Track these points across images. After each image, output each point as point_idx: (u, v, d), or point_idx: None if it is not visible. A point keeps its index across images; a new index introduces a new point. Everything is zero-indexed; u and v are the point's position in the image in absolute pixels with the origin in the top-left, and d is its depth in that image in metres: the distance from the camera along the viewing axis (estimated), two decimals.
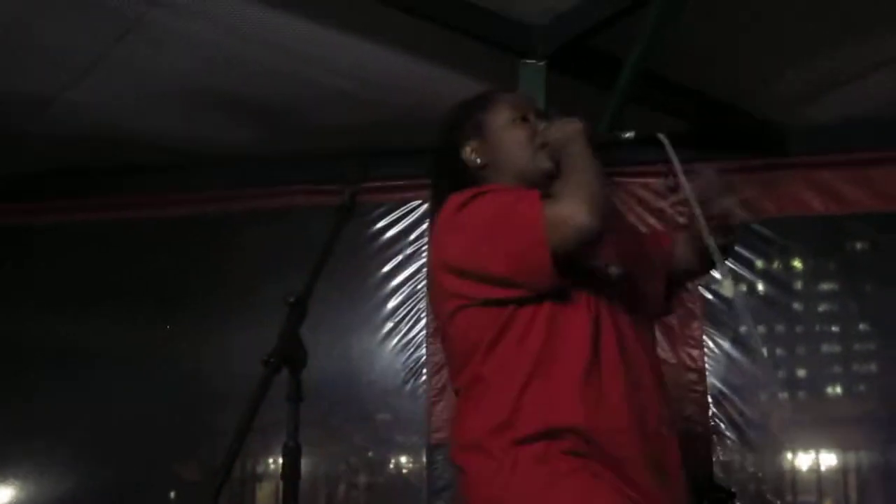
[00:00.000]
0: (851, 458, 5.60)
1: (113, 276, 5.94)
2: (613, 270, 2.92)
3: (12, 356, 5.88)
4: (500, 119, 3.04)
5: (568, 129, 2.88)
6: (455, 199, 2.87)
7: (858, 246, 5.77)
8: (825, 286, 5.89)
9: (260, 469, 6.04)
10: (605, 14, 4.23)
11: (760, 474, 5.46)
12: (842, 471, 5.60)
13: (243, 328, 5.41)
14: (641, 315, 2.96)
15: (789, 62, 4.75)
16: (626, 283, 2.93)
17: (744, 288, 5.66)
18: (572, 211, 2.67)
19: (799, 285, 5.81)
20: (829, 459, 5.60)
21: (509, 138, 3.00)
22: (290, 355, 2.42)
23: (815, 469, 5.58)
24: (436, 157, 3.18)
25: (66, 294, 5.96)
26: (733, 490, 5.07)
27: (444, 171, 3.12)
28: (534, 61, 4.50)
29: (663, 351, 5.41)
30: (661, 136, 2.92)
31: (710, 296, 5.50)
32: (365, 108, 5.16)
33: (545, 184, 2.88)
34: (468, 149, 3.04)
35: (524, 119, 3.03)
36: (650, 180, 5.57)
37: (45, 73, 4.88)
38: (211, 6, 4.34)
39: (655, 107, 4.98)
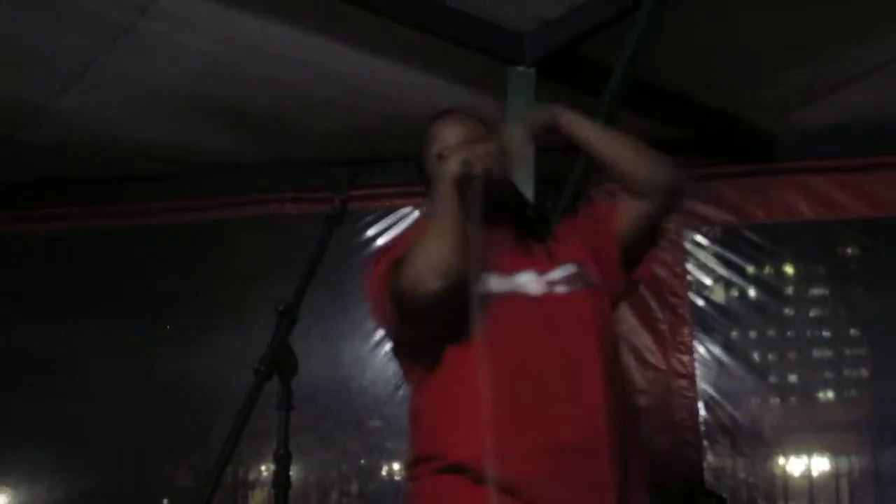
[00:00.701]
0: (843, 462, 5.62)
1: (102, 284, 5.94)
2: (528, 287, 2.94)
3: (5, 363, 5.88)
4: (433, 155, 3.06)
5: (443, 171, 2.90)
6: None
7: (849, 251, 5.79)
8: (816, 291, 5.91)
9: (252, 476, 6.05)
10: (594, 21, 4.23)
11: (752, 480, 5.47)
12: (833, 476, 5.62)
13: (234, 336, 5.41)
14: (590, 317, 2.94)
15: (779, 68, 4.76)
16: (566, 288, 2.96)
17: (735, 293, 5.68)
18: (410, 283, 2.76)
19: (790, 291, 5.82)
20: (820, 464, 5.61)
21: (437, 174, 2.97)
22: (281, 363, 2.42)
23: (806, 474, 5.59)
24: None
25: (56, 302, 5.96)
26: (724, 496, 5.08)
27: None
28: (523, 68, 4.50)
29: (653, 357, 5.42)
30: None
31: (700, 302, 5.51)
32: (354, 116, 5.16)
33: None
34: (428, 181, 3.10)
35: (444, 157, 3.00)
36: None
37: (34, 80, 4.88)
38: (201, 15, 4.33)
39: (645, 113, 4.98)
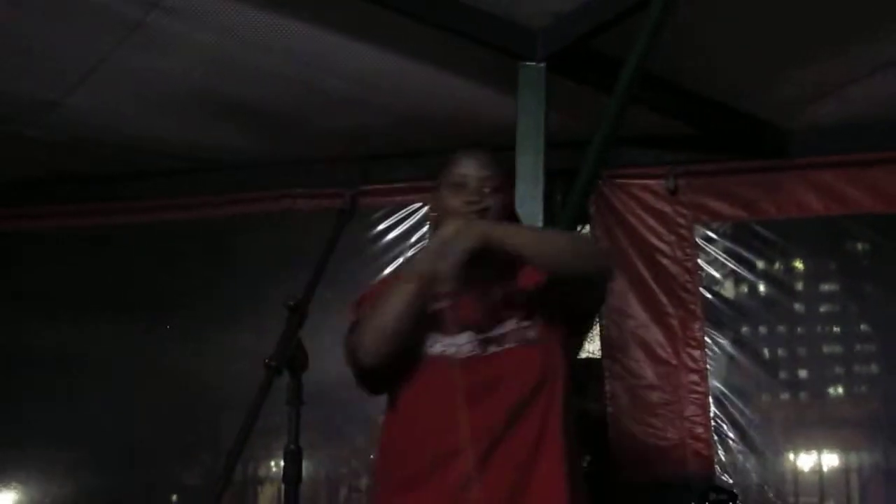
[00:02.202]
0: (853, 458, 5.60)
1: (114, 281, 5.94)
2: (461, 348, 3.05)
3: (14, 361, 5.89)
4: (446, 184, 3.20)
5: (435, 238, 3.04)
6: None
7: (859, 247, 5.77)
8: (826, 287, 5.89)
9: (261, 472, 6.04)
10: (605, 16, 4.23)
11: (762, 475, 5.45)
12: (844, 471, 5.60)
13: (244, 332, 5.41)
14: (511, 374, 3.03)
15: (790, 64, 4.75)
16: (497, 347, 3.06)
17: (745, 289, 5.67)
18: (353, 351, 3.03)
19: (800, 286, 5.80)
20: (830, 460, 5.60)
21: (444, 204, 3.17)
22: (291, 358, 2.42)
23: (816, 470, 5.58)
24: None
25: (66, 299, 5.97)
26: (735, 491, 5.07)
27: None
28: (533, 63, 4.50)
29: (664, 352, 5.42)
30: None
31: (711, 297, 5.50)
32: (365, 112, 5.16)
33: None
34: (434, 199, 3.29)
35: (461, 185, 3.16)
36: (650, 181, 5.57)
37: (45, 77, 4.89)
38: (211, 10, 4.33)
39: (655, 109, 4.98)
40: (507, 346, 3.05)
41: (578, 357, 3.44)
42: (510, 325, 3.07)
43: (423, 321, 2.98)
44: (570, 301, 3.10)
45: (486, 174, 3.17)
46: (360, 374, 3.06)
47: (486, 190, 3.13)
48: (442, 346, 3.04)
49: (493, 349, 3.03)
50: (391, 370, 3.01)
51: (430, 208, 3.45)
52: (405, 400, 3.06)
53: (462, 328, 3.03)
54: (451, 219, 3.03)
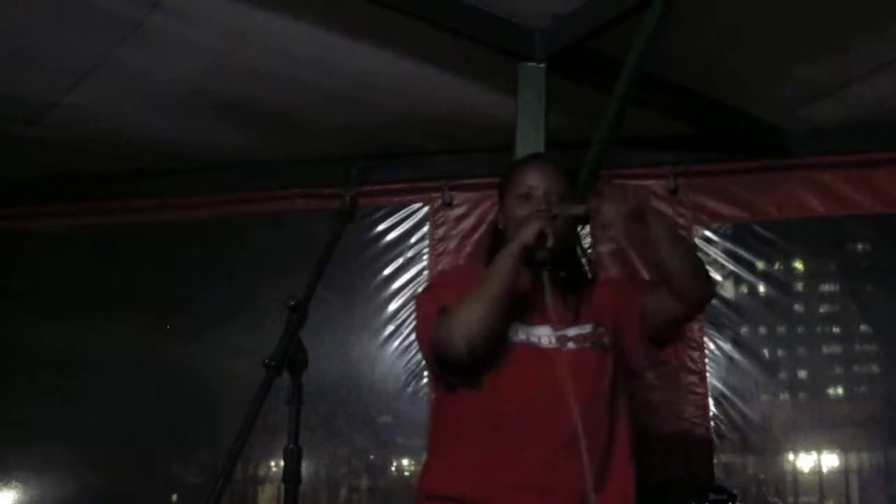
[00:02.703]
0: (853, 459, 5.60)
1: (113, 280, 5.95)
2: (548, 339, 3.25)
3: (14, 361, 5.89)
4: (512, 194, 3.39)
5: (519, 234, 3.21)
6: None
7: (859, 247, 5.77)
8: (826, 287, 5.89)
9: (261, 472, 6.04)
10: (606, 17, 4.23)
11: (762, 476, 5.46)
12: (843, 472, 5.60)
13: (244, 331, 5.41)
14: (588, 373, 3.25)
15: (790, 64, 4.75)
16: (575, 345, 3.27)
17: (745, 289, 5.67)
18: (443, 340, 3.13)
19: (800, 287, 5.80)
20: (830, 460, 5.59)
21: (511, 214, 3.37)
22: (291, 358, 2.43)
23: (816, 470, 5.57)
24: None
25: (66, 298, 5.97)
26: (735, 492, 5.07)
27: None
28: (533, 63, 4.50)
29: (664, 353, 5.42)
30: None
31: None
32: (365, 112, 5.16)
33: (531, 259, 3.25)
34: (498, 212, 3.51)
35: (527, 196, 3.34)
36: (649, 182, 5.57)
37: (45, 77, 4.89)
38: (210, 11, 4.33)
39: (656, 109, 4.98)
40: (584, 345, 3.26)
41: None
42: (587, 328, 3.29)
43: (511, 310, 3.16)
44: (666, 313, 3.27)
45: (551, 184, 3.34)
46: (450, 363, 3.16)
47: (553, 199, 3.30)
48: (524, 334, 3.23)
49: (570, 346, 3.23)
50: (476, 360, 3.14)
51: (495, 218, 3.54)
52: (490, 381, 3.19)
53: (542, 320, 3.23)
54: (521, 227, 3.21)
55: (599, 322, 3.32)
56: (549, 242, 3.16)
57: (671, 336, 3.40)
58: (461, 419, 3.24)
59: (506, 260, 3.15)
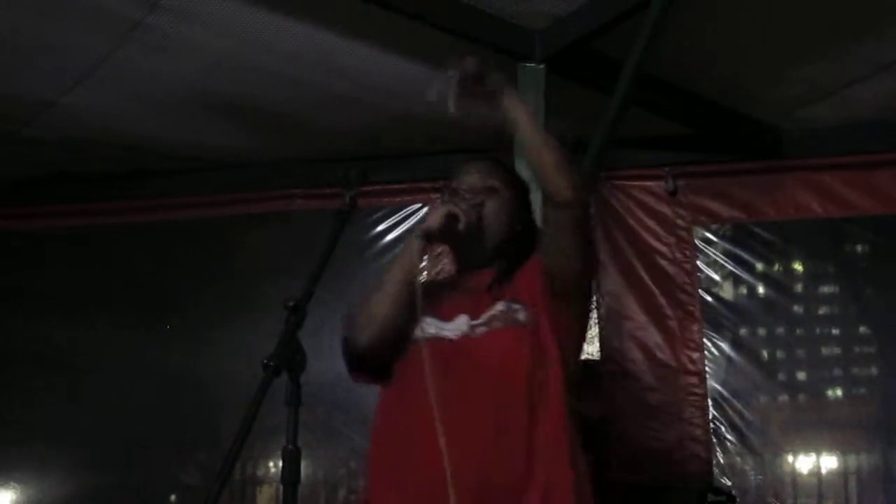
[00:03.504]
0: (852, 460, 5.60)
1: (112, 281, 5.94)
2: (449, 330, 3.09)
3: (13, 361, 5.89)
4: (445, 192, 3.29)
5: (425, 220, 3.14)
6: None
7: (858, 249, 5.77)
8: (825, 289, 5.89)
9: (260, 472, 6.04)
10: (605, 18, 4.23)
11: (761, 477, 5.46)
12: (842, 474, 5.60)
13: (243, 332, 5.41)
14: (496, 357, 3.02)
15: (788, 65, 4.75)
16: (485, 329, 3.08)
17: (744, 290, 5.67)
18: (353, 330, 3.11)
19: (799, 288, 5.81)
20: (829, 462, 5.59)
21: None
22: (290, 359, 2.43)
23: (815, 472, 5.57)
24: None
25: (65, 299, 5.97)
26: (734, 493, 5.07)
27: None
28: (533, 65, 4.50)
29: (663, 353, 5.42)
30: None
31: (710, 299, 5.50)
32: (364, 112, 5.16)
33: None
34: None
35: (453, 193, 3.24)
36: (649, 182, 5.57)
37: (45, 76, 4.88)
38: (211, 11, 4.33)
39: (655, 110, 4.98)
40: (495, 326, 3.06)
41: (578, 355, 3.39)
42: (500, 307, 3.08)
43: (419, 307, 3.01)
44: (560, 254, 3.11)
45: (480, 180, 3.24)
46: (356, 360, 3.13)
47: (480, 194, 3.20)
48: (435, 328, 3.07)
49: (481, 331, 3.05)
50: (388, 355, 3.07)
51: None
52: (398, 381, 3.09)
53: (457, 312, 3.08)
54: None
55: (517, 299, 3.10)
56: (461, 222, 3.05)
57: (573, 265, 3.18)
58: (377, 429, 3.14)
59: (407, 245, 3.11)
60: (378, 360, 3.08)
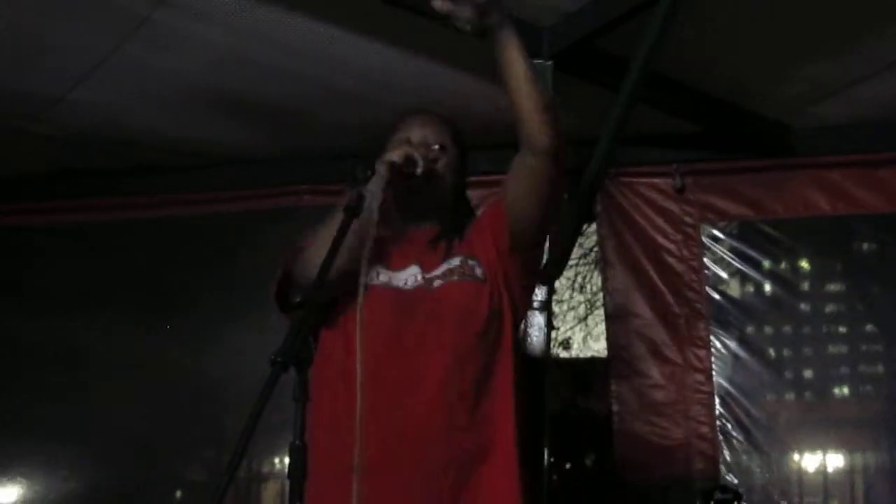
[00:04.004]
0: (858, 459, 5.60)
1: (117, 277, 5.94)
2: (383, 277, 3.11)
3: (20, 357, 5.89)
4: (392, 143, 3.31)
5: (383, 155, 3.07)
6: None
7: (866, 247, 5.77)
8: (832, 287, 5.88)
9: (266, 469, 6.04)
10: (612, 14, 4.23)
11: (767, 475, 5.45)
12: (849, 472, 5.60)
13: (250, 328, 5.41)
14: (452, 309, 3.04)
15: (797, 62, 4.75)
16: (440, 282, 3.10)
17: (751, 288, 5.66)
18: (293, 272, 3.07)
19: (806, 286, 5.80)
20: (835, 461, 5.59)
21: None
22: (297, 354, 2.42)
23: (821, 470, 5.57)
24: None
25: (71, 295, 5.97)
26: (740, 491, 5.07)
27: None
28: (540, 61, 4.49)
29: (670, 351, 5.42)
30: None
31: (716, 297, 5.50)
32: (371, 109, 5.15)
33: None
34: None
35: (401, 142, 3.26)
36: (656, 180, 5.56)
37: (50, 72, 4.88)
38: (216, 6, 4.33)
39: (662, 107, 4.98)
40: (452, 279, 3.10)
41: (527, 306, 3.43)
42: (456, 262, 3.13)
43: (368, 254, 2.86)
44: (524, 201, 3.12)
45: (433, 135, 3.30)
46: (293, 293, 3.08)
47: (433, 146, 3.25)
48: (386, 276, 3.09)
49: (437, 283, 3.08)
50: (324, 296, 2.99)
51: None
52: (342, 331, 3.02)
53: (408, 262, 3.11)
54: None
55: (472, 255, 3.16)
56: (419, 167, 3.05)
57: (539, 217, 3.20)
58: (315, 386, 2.84)
59: (357, 190, 2.90)
60: (318, 298, 2.88)
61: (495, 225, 3.19)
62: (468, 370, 2.96)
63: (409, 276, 3.09)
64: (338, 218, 2.80)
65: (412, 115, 3.41)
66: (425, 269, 3.09)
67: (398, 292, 3.05)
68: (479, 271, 3.11)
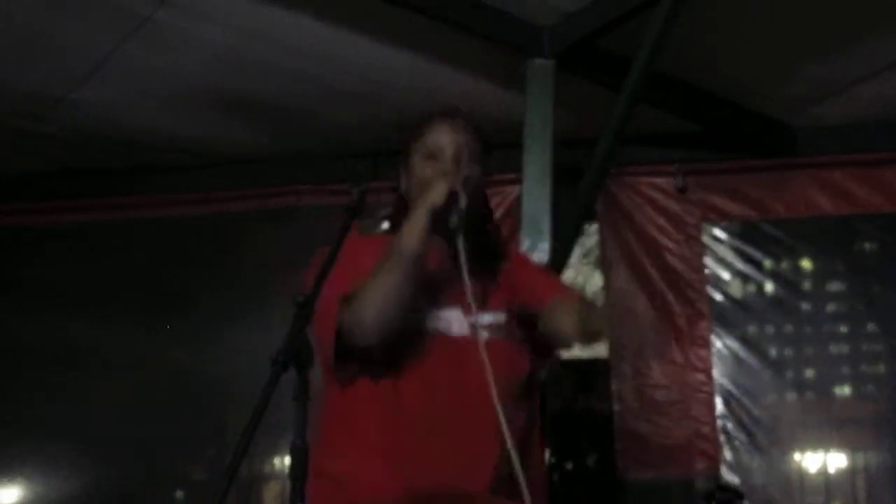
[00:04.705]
0: (860, 458, 5.59)
1: (119, 277, 5.94)
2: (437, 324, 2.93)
3: (20, 357, 5.89)
4: (419, 152, 3.06)
5: (426, 196, 2.83)
6: None
7: (867, 246, 5.76)
8: (834, 287, 5.87)
9: (267, 469, 6.03)
10: (614, 14, 4.23)
11: (768, 475, 5.45)
12: (850, 472, 5.59)
13: (251, 327, 5.40)
14: (500, 366, 2.83)
15: (800, 62, 4.75)
16: (488, 335, 2.90)
17: (752, 288, 5.65)
18: (357, 323, 2.75)
19: (807, 286, 5.79)
20: (837, 460, 5.59)
21: (417, 174, 3.03)
22: (298, 354, 2.41)
23: (823, 470, 5.56)
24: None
25: (73, 295, 5.96)
26: (741, 490, 5.07)
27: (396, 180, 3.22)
28: (542, 60, 4.50)
29: (671, 351, 5.41)
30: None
31: (718, 296, 5.49)
32: (373, 108, 5.16)
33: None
34: (401, 168, 3.14)
35: (435, 157, 3.02)
36: (658, 179, 5.56)
37: (52, 72, 4.89)
38: (218, 6, 4.34)
39: (664, 107, 4.97)
40: (500, 336, 2.95)
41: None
42: (501, 317, 2.98)
43: (422, 295, 2.81)
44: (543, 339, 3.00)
45: (462, 143, 3.03)
46: (356, 353, 2.83)
47: (465, 159, 3.00)
48: (433, 320, 2.93)
49: (485, 336, 2.86)
50: (384, 348, 2.81)
51: (396, 182, 3.17)
52: (393, 376, 2.88)
53: (447, 300, 2.91)
54: (428, 188, 2.86)
55: (511, 308, 2.99)
56: (462, 203, 2.79)
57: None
58: (357, 418, 2.93)
59: (414, 226, 2.76)
60: (385, 351, 2.80)
61: (527, 306, 3.02)
62: (511, 433, 2.77)
63: (455, 321, 2.93)
64: (394, 263, 2.75)
65: (439, 119, 3.11)
66: (466, 312, 2.88)
67: (448, 340, 2.91)
68: (518, 333, 3.00)
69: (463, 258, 2.77)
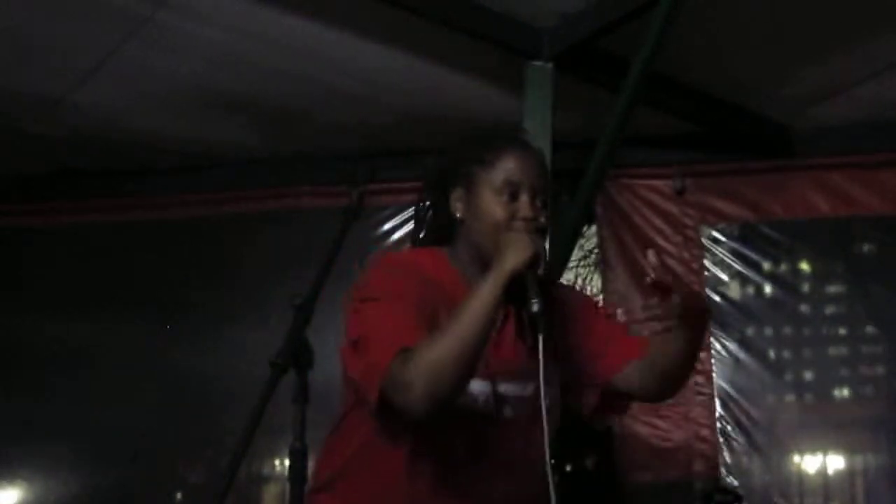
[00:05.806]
0: (859, 460, 5.59)
1: (118, 278, 5.93)
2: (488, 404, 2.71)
3: (20, 357, 5.88)
4: (490, 185, 2.75)
5: (506, 261, 2.54)
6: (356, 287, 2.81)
7: (866, 248, 5.76)
8: (832, 289, 5.87)
9: (266, 471, 6.03)
10: (613, 16, 4.23)
11: (767, 477, 5.45)
12: (849, 474, 5.59)
13: (250, 330, 5.40)
14: (518, 446, 2.73)
15: (798, 64, 4.75)
16: (511, 412, 2.75)
17: (751, 290, 5.65)
18: (411, 391, 2.46)
19: (806, 288, 5.79)
20: (836, 462, 5.58)
21: (487, 211, 2.74)
22: (297, 356, 2.41)
23: (822, 472, 5.56)
24: (431, 179, 3.10)
25: (72, 296, 5.96)
26: (740, 492, 5.07)
27: (432, 197, 3.07)
28: (541, 62, 4.50)
29: None
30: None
31: (717, 298, 5.49)
32: (372, 110, 5.16)
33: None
34: (455, 195, 2.86)
35: (513, 197, 2.72)
36: (657, 181, 5.56)
37: (51, 73, 4.89)
38: (217, 7, 4.34)
39: (663, 108, 4.98)
40: (522, 412, 2.73)
41: None
42: (529, 389, 2.72)
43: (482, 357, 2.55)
44: (629, 389, 2.89)
45: (539, 183, 2.75)
46: (395, 412, 2.56)
47: (541, 204, 2.74)
48: (503, 387, 2.72)
49: (507, 413, 2.72)
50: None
51: (447, 202, 2.89)
52: (411, 438, 2.71)
53: (483, 375, 2.65)
54: (504, 234, 2.63)
55: (553, 373, 2.67)
56: (541, 270, 2.56)
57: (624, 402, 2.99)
58: (380, 462, 2.79)
59: (492, 292, 2.49)
60: (437, 412, 2.52)
61: (595, 372, 2.89)
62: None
63: (481, 393, 2.68)
64: (465, 327, 2.47)
65: (512, 149, 2.81)
66: (494, 380, 2.70)
67: (469, 413, 2.66)
68: (547, 401, 2.58)
69: (541, 350, 2.52)
